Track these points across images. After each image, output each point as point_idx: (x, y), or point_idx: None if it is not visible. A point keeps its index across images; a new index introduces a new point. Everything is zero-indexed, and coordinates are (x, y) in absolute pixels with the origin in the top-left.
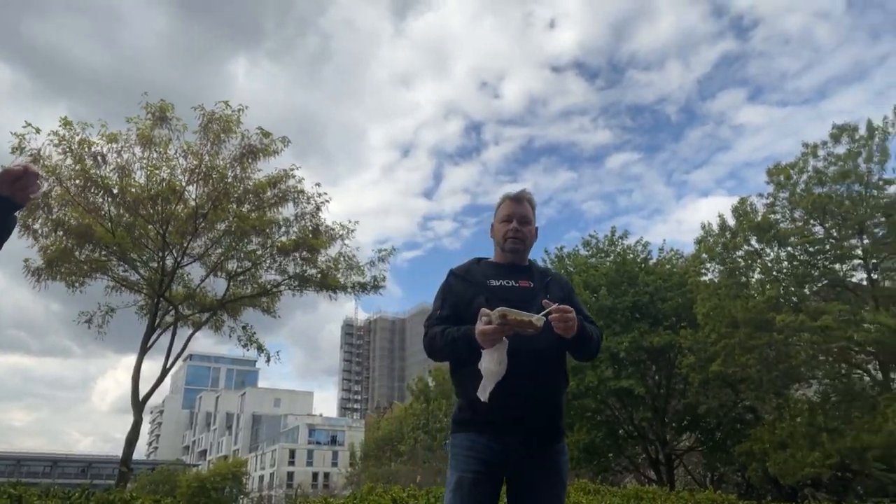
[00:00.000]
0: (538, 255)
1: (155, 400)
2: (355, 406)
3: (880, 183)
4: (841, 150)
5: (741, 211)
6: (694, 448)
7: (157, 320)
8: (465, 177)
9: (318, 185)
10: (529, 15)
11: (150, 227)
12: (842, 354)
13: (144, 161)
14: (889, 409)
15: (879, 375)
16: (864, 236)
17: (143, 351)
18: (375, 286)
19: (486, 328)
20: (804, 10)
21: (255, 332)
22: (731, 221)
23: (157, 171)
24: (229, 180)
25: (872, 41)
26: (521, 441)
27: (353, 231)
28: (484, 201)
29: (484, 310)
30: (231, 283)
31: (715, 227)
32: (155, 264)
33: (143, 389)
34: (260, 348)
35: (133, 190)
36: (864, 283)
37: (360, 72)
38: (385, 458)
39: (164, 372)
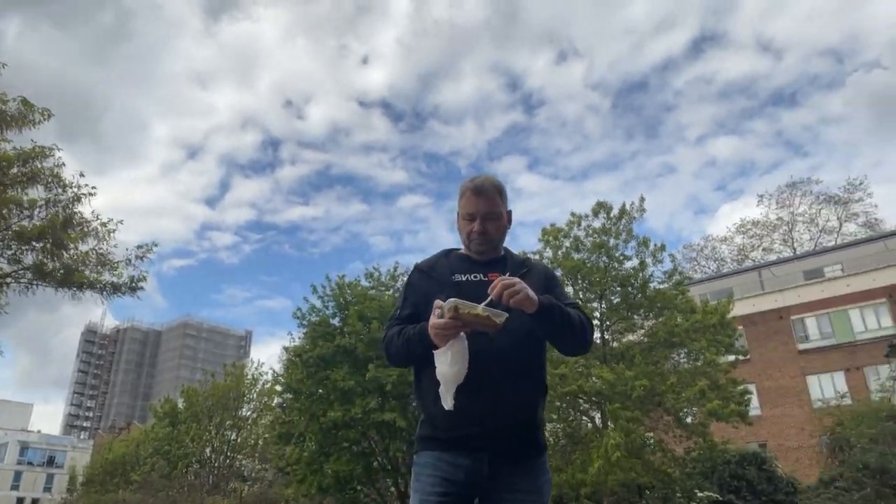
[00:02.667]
0: (321, 279)
1: None
2: (85, 424)
3: (621, 258)
4: (597, 224)
5: None
6: None
7: None
8: (255, 191)
9: (81, 174)
10: (344, 47)
11: None
12: (572, 402)
13: None
14: (596, 452)
15: (600, 423)
16: (603, 301)
17: None
18: (133, 287)
19: (436, 322)
20: (580, 101)
21: None
22: None
23: None
24: None
25: (627, 139)
26: (490, 458)
27: (113, 231)
28: (271, 219)
29: (437, 301)
30: None
31: None
32: None
33: None
34: None
35: None
36: (598, 341)
37: (154, 60)
38: (112, 485)
39: None
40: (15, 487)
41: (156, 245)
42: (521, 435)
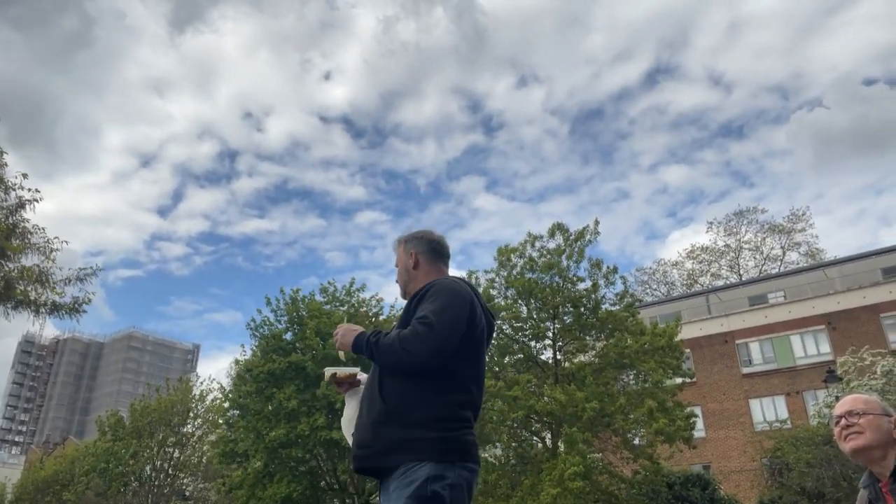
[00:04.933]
0: (276, 291)
1: None
2: (17, 439)
3: (574, 279)
4: (552, 244)
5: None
6: None
7: None
8: (210, 202)
9: (24, 175)
10: (307, 62)
11: None
12: (524, 422)
13: None
14: (548, 476)
15: (550, 444)
16: (556, 321)
17: None
18: (75, 309)
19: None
20: (539, 126)
21: None
22: None
23: None
24: None
25: (583, 164)
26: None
27: (56, 250)
28: (225, 231)
29: (327, 369)
30: None
31: None
32: None
33: None
34: None
35: None
36: (550, 361)
37: (112, 67)
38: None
39: None
40: None
41: (100, 269)
42: (365, 461)
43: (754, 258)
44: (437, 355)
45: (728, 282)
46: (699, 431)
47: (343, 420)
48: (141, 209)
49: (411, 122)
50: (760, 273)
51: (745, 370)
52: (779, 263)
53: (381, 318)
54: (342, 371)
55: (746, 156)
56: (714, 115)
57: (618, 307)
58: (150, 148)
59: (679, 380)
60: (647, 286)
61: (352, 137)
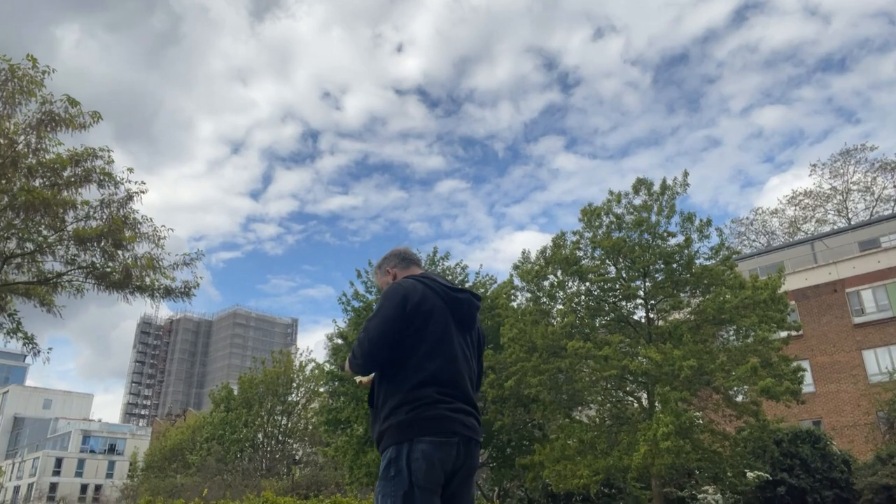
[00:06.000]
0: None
1: None
2: (143, 412)
3: (664, 234)
4: (638, 201)
5: (558, 244)
6: (485, 464)
7: None
8: (297, 182)
9: (130, 170)
10: (379, 36)
11: None
12: (618, 382)
13: None
14: (644, 434)
15: (647, 404)
16: (647, 280)
17: None
18: (186, 292)
19: None
20: (618, 78)
21: (20, 321)
22: (547, 252)
23: None
24: (20, 147)
25: (668, 114)
26: None
27: (164, 238)
28: (312, 209)
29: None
30: (4, 266)
31: (532, 256)
32: None
33: None
34: (28, 340)
35: None
36: (643, 320)
37: (199, 60)
38: (171, 470)
39: None
40: (79, 474)
41: (203, 254)
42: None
43: (864, 200)
44: (371, 358)
45: (836, 227)
46: (808, 386)
47: None
48: (234, 194)
49: (485, 86)
50: (872, 216)
51: (857, 320)
52: (892, 204)
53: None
54: (362, 379)
55: (850, 90)
56: (811, 49)
57: (714, 261)
58: (238, 135)
59: (784, 333)
60: (744, 237)
61: (427, 108)
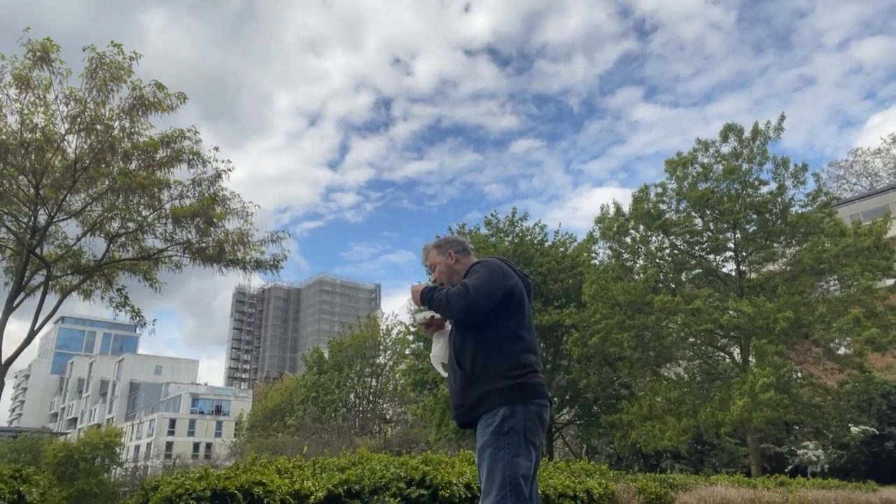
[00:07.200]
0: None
1: (20, 364)
2: (243, 376)
3: (756, 183)
4: (727, 149)
5: (640, 198)
6: (573, 422)
7: (25, 280)
8: (372, 150)
9: (216, 148)
10: None
11: (21, 177)
12: (708, 337)
13: (18, 104)
14: (738, 390)
15: (739, 359)
16: (737, 231)
17: (9, 311)
18: (274, 265)
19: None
20: (700, 19)
21: (127, 295)
22: (627, 207)
23: (30, 116)
24: (115, 133)
25: (755, 54)
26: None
27: (251, 213)
28: (389, 177)
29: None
30: (111, 245)
31: (611, 211)
32: (25, 220)
33: (7, 352)
34: (135, 313)
35: (2, 137)
36: (733, 273)
37: (273, 35)
38: (272, 429)
39: (32, 334)
40: (191, 434)
41: (288, 234)
42: (460, 416)
43: None
44: (469, 311)
45: None
46: None
47: (431, 356)
48: (314, 165)
49: (557, 40)
50: None
51: None
52: None
53: (546, 244)
54: (421, 315)
55: None
56: None
57: (810, 208)
58: (314, 107)
59: (891, 281)
60: (843, 181)
61: (498, 67)
